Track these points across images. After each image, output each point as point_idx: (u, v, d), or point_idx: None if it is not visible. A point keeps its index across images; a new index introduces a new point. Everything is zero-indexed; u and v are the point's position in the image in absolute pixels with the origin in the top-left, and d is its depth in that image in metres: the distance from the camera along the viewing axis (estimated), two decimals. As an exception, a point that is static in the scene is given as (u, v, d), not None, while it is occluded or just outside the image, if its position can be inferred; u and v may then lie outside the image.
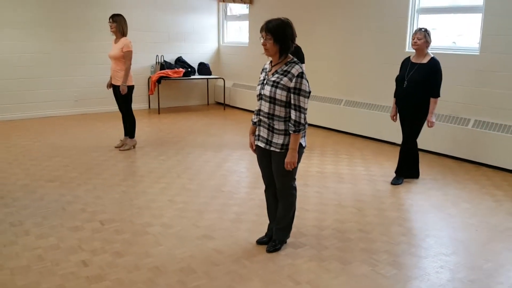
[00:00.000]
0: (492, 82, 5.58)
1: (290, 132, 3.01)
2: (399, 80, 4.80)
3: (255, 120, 3.26)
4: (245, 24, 9.52)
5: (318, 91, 7.81)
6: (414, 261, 3.22)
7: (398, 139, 5.94)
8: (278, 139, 3.06)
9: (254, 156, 5.90)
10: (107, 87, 6.13)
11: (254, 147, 3.30)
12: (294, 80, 2.94)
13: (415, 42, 4.63)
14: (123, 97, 5.93)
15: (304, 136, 3.13)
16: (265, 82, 3.08)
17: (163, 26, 9.39)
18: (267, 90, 3.02)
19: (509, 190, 4.77)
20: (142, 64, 9.22)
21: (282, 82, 2.97)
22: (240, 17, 9.79)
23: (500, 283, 2.95)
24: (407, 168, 4.98)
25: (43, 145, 6.30)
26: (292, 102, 2.97)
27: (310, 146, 6.52)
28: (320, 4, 7.67)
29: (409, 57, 4.85)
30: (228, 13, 10.11)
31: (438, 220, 3.98)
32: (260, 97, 3.10)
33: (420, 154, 5.33)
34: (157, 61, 9.28)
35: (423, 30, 4.63)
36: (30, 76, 8.10)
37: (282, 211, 3.28)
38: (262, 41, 3.02)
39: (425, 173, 5.28)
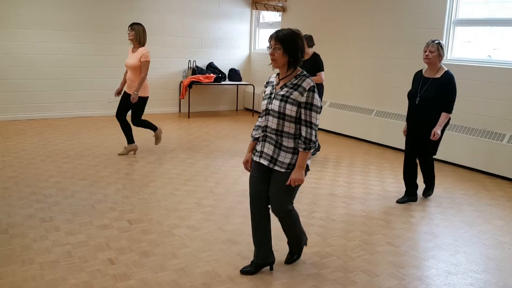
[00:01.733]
0: (530, 97, 5.42)
1: (300, 149, 2.79)
2: (411, 96, 4.50)
3: (256, 136, 3.03)
4: (278, 31, 9.53)
5: (348, 100, 7.76)
6: (443, 277, 3.14)
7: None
8: (285, 158, 2.84)
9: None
10: (115, 94, 5.98)
11: (249, 165, 3.08)
12: (305, 95, 2.74)
13: (427, 56, 4.32)
14: (134, 106, 5.73)
15: (310, 158, 2.90)
16: (272, 96, 2.86)
17: (196, 32, 9.51)
18: (275, 105, 2.80)
19: (545, 209, 4.61)
20: (174, 69, 9.35)
21: (292, 96, 2.76)
22: (272, 25, 9.82)
23: (533, 304, 2.85)
24: (414, 186, 4.74)
25: (76, 144, 6.44)
26: (303, 118, 2.77)
27: (339, 155, 6.46)
28: (353, 13, 7.63)
29: (421, 70, 4.55)
30: (261, 21, 10.16)
31: (469, 236, 3.87)
32: (267, 112, 2.87)
33: (452, 167, 5.23)
34: (189, 66, 9.39)
35: (436, 42, 4.32)
36: (66, 76, 8.31)
37: (287, 226, 3.10)
38: (270, 50, 2.82)
39: (456, 187, 5.15)
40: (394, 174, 5.64)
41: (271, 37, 2.83)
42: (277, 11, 9.28)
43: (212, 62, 9.67)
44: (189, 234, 3.65)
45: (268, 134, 2.89)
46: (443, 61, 6.23)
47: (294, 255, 3.28)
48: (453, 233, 3.92)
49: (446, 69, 4.39)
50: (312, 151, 2.82)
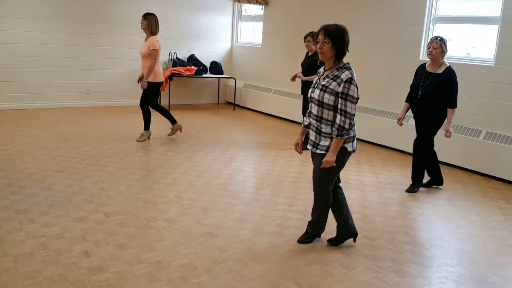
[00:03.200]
0: (506, 95, 5.51)
1: (333, 136, 3.06)
2: (413, 89, 4.74)
3: (306, 123, 3.34)
4: (259, 25, 9.51)
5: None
6: (418, 271, 3.18)
7: (408, 148, 5.90)
8: (325, 142, 3.13)
9: (261, 157, 5.90)
10: (138, 81, 6.29)
11: (300, 148, 3.41)
12: (342, 85, 3.00)
13: (430, 52, 4.54)
14: (144, 91, 6.11)
15: (353, 141, 3.19)
16: (316, 85, 3.15)
17: (177, 24, 9.41)
18: (316, 94, 3.10)
19: (519, 204, 4.71)
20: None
21: (330, 86, 3.03)
22: (254, 18, 9.79)
23: (505, 297, 2.91)
24: (430, 174, 4.97)
25: (53, 135, 6.34)
26: (339, 106, 3.03)
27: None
28: (334, 10, 7.65)
29: (424, 64, 4.76)
30: (243, 13, 10.11)
31: (445, 230, 3.93)
32: (311, 100, 3.18)
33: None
34: (170, 58, 9.30)
35: (439, 39, 4.53)
36: (43, 66, 8.15)
37: (316, 204, 3.39)
38: (318, 44, 3.07)
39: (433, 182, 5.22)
40: (372, 168, 5.69)
41: (319, 32, 3.08)
42: (260, 4, 9.24)
43: (193, 55, 9.60)
44: (166, 227, 3.62)
45: (312, 121, 3.20)
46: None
47: (309, 238, 3.47)
48: (429, 227, 3.98)
49: (448, 65, 4.58)
50: (344, 138, 3.06)
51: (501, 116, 5.57)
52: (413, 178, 4.91)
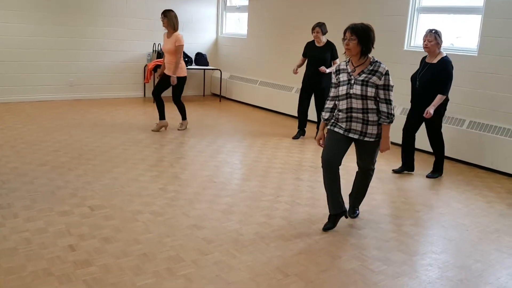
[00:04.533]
0: (489, 84, 5.57)
1: (384, 123, 3.35)
2: (412, 79, 4.98)
3: (326, 117, 3.53)
4: (244, 16, 9.46)
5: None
6: (403, 258, 3.21)
7: (396, 138, 5.92)
8: (373, 130, 3.38)
9: (247, 149, 5.89)
10: (158, 76, 6.65)
11: (322, 143, 3.59)
12: (383, 78, 3.26)
13: (425, 45, 4.74)
14: (175, 87, 6.29)
15: None
16: (352, 82, 3.32)
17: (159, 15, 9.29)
18: (357, 89, 3.29)
19: (501, 192, 4.77)
20: (139, 52, 9.16)
21: (371, 80, 3.26)
22: (239, 9, 9.73)
23: (488, 283, 2.95)
24: (406, 160, 5.18)
25: (36, 129, 6.24)
26: (383, 97, 3.30)
27: (305, 139, 6.50)
28: (318, 1, 7.63)
29: (425, 56, 4.98)
30: (228, 4, 10.04)
31: (429, 218, 3.97)
32: (349, 96, 3.34)
33: (415, 152, 5.33)
34: (154, 49, 9.21)
35: (433, 32, 4.72)
36: (25, 59, 8.01)
37: (366, 181, 3.77)
38: (345, 41, 3.27)
39: (418, 171, 5.27)
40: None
41: (347, 30, 3.29)
42: (244, -5, 9.18)
43: (178, 46, 9.50)
44: (152, 220, 3.60)
45: (354, 114, 3.37)
46: (405, 47, 6.36)
47: (355, 212, 3.87)
48: (413, 215, 4.02)
49: (444, 55, 4.78)
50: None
51: (485, 106, 5.63)
52: (435, 162, 5.13)
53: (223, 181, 4.62)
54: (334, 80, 3.49)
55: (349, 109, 3.38)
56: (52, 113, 7.31)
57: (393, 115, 3.35)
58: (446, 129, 5.87)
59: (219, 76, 9.77)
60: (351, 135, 3.44)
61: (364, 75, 3.31)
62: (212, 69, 9.78)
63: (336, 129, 3.48)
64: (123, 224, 3.49)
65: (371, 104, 3.33)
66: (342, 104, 3.41)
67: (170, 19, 6.16)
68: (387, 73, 3.29)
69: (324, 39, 6.28)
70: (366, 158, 3.62)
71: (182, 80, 6.34)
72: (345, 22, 7.24)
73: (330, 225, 3.59)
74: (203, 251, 3.14)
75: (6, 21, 7.71)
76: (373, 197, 4.39)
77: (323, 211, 3.97)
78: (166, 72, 6.35)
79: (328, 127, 3.54)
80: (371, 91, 3.28)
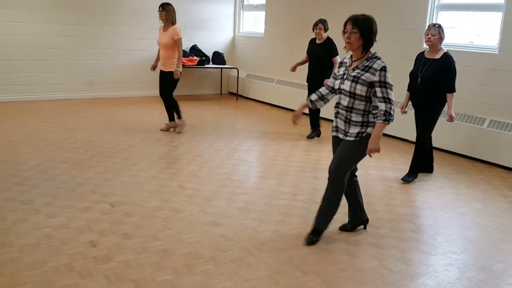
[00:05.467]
0: (510, 82, 5.48)
1: (379, 121, 3.00)
2: (413, 76, 4.80)
3: (312, 99, 3.34)
4: (262, 14, 9.46)
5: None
6: (422, 258, 3.19)
7: (411, 136, 5.88)
8: (355, 129, 3.12)
9: (264, 147, 5.90)
10: (152, 69, 6.37)
11: (298, 120, 3.36)
12: (377, 74, 2.97)
13: (429, 39, 4.60)
14: (170, 82, 6.13)
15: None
16: (345, 77, 3.11)
17: (179, 14, 9.29)
18: (347, 85, 3.07)
19: (523, 192, 4.70)
20: (156, 51, 9.20)
21: (363, 77, 3.01)
22: (257, 7, 9.73)
23: (509, 284, 2.91)
24: (421, 164, 4.90)
25: (56, 126, 6.35)
26: (380, 95, 2.99)
27: (321, 139, 6.49)
28: (338, -3, 7.59)
29: (422, 52, 4.81)
30: (245, 3, 10.05)
31: (448, 218, 3.93)
32: (340, 91, 3.14)
33: (434, 151, 5.29)
34: (172, 48, 9.26)
35: (437, 26, 4.60)
36: (46, 58, 8.14)
37: (329, 193, 3.27)
38: (346, 34, 3.04)
39: (437, 171, 5.22)
40: (376, 157, 5.68)
41: (348, 21, 3.04)
42: (262, -7, 9.18)
43: (195, 45, 9.57)
44: (171, 217, 3.63)
45: (340, 111, 3.18)
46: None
47: (316, 234, 3.32)
48: (433, 215, 3.98)
49: (446, 51, 4.63)
50: (389, 123, 3.02)
51: (505, 104, 5.54)
52: (411, 164, 4.89)
53: (240, 179, 4.64)
54: (336, 71, 3.30)
55: (337, 105, 3.21)
56: (71, 111, 7.41)
57: (392, 116, 2.99)
58: (466, 127, 5.80)
59: (236, 75, 9.79)
60: (338, 134, 3.27)
61: (357, 71, 3.06)
62: (229, 67, 9.81)
63: (334, 133, 3.31)
64: (143, 221, 3.53)
65: (358, 104, 3.07)
66: (337, 99, 3.23)
67: (169, 12, 5.98)
68: (383, 69, 2.98)
69: (325, 36, 6.15)
70: (334, 158, 3.23)
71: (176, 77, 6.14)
72: (363, 20, 7.19)
73: (311, 239, 3.32)
74: (221, 248, 3.16)
75: (26, 21, 7.85)
76: (392, 196, 4.36)
77: (341, 210, 3.95)
78: (162, 68, 6.17)
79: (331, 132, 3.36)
80: (360, 89, 3.02)
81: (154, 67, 6.39)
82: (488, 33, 6.00)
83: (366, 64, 3.04)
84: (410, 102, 4.95)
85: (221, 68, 9.82)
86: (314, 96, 3.34)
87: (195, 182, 4.46)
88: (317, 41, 6.21)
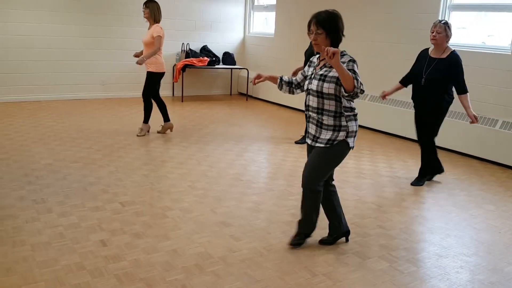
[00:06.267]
0: (523, 83, 5.43)
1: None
2: (416, 74, 4.50)
3: (286, 80, 3.21)
4: (272, 15, 9.46)
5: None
6: (433, 260, 3.17)
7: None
8: (326, 135, 2.93)
9: (274, 147, 5.89)
10: (136, 57, 6.12)
11: (256, 79, 3.13)
12: (345, 65, 2.78)
13: (434, 37, 4.31)
14: (146, 81, 5.95)
15: (355, 136, 3.00)
16: (312, 76, 2.98)
17: (190, 14, 9.41)
18: (314, 85, 2.93)
19: (536, 194, 4.65)
20: (168, 52, 9.26)
21: (330, 74, 2.87)
22: (267, 8, 9.74)
23: (522, 287, 2.88)
24: (431, 168, 4.79)
25: (69, 126, 6.40)
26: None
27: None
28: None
29: (427, 49, 4.55)
30: (255, 3, 10.06)
31: (460, 220, 3.90)
32: (308, 92, 3.00)
33: (445, 153, 5.26)
34: (183, 49, 9.31)
35: (443, 22, 4.30)
36: (59, 58, 8.22)
37: (306, 203, 3.14)
38: (312, 36, 2.90)
39: (449, 172, 5.18)
40: (387, 158, 5.66)
41: (311, 22, 2.91)
42: (272, -6, 9.18)
43: (206, 45, 9.60)
44: (181, 216, 3.65)
45: (311, 114, 3.01)
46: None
47: (301, 237, 3.24)
48: (444, 217, 3.95)
49: (453, 49, 4.36)
50: (359, 95, 2.74)
51: (518, 105, 5.49)
52: (421, 169, 4.76)
53: (250, 179, 4.64)
54: (306, 68, 3.14)
55: (307, 108, 3.04)
56: (83, 111, 7.47)
57: (362, 88, 2.74)
58: (478, 129, 5.75)
59: (246, 75, 9.81)
60: (308, 140, 3.09)
61: (324, 69, 2.92)
62: (239, 68, 9.82)
63: (307, 140, 3.12)
64: (153, 220, 3.55)
65: (328, 105, 2.90)
66: (306, 101, 3.06)
67: (152, 10, 5.79)
68: (351, 60, 2.82)
69: None
70: (306, 168, 3.05)
71: (158, 76, 5.95)
72: (375, 19, 7.19)
73: (296, 241, 3.21)
74: (231, 248, 3.16)
75: (39, 21, 7.93)
76: (402, 198, 4.34)
77: (352, 211, 3.95)
78: (146, 68, 5.96)
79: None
80: (328, 87, 2.85)
81: (137, 55, 6.11)
82: (500, 33, 5.95)
83: None
84: (405, 102, 4.87)
85: (231, 68, 9.84)
86: (286, 78, 3.22)
87: (205, 182, 4.47)
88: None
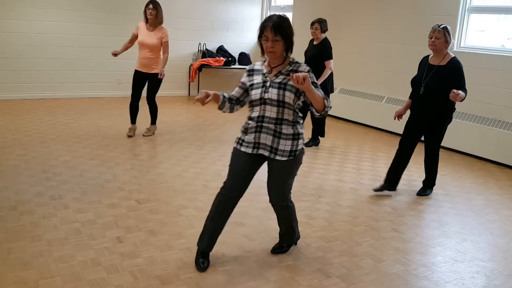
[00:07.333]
0: (544, 87, 5.34)
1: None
2: (415, 83, 4.26)
3: (226, 96, 2.86)
4: (289, 15, 9.45)
5: (359, 86, 7.70)
6: (449, 264, 3.14)
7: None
8: (286, 146, 2.76)
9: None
10: (114, 55, 5.94)
11: (207, 99, 2.75)
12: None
13: (432, 42, 4.04)
14: (153, 84, 5.91)
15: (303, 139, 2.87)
16: (268, 85, 2.72)
17: (207, 15, 9.45)
18: (273, 94, 2.68)
19: (554, 200, 4.57)
20: (185, 52, 9.32)
21: (290, 83, 2.67)
22: (284, 8, 9.73)
23: (539, 294, 2.84)
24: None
25: (86, 124, 6.48)
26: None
27: (348, 142, 6.44)
28: (365, 1, 7.54)
29: (427, 56, 4.29)
30: (272, 4, 10.07)
31: (476, 224, 3.86)
32: (263, 101, 2.73)
33: (462, 156, 5.20)
34: (199, 49, 9.36)
35: (442, 27, 4.04)
36: (77, 57, 8.32)
37: (285, 216, 3.05)
38: (268, 43, 2.65)
39: (465, 176, 5.13)
40: (403, 161, 5.61)
41: (265, 28, 2.64)
42: (289, -5, 9.18)
43: (222, 45, 9.63)
44: (196, 215, 3.67)
45: (265, 124, 2.75)
46: (455, 48, 6.17)
47: (283, 246, 3.17)
48: (460, 221, 3.91)
49: (453, 56, 4.10)
50: (327, 111, 2.68)
51: (538, 109, 5.40)
52: (427, 179, 4.53)
53: (263, 179, 4.63)
54: (245, 79, 2.86)
55: (261, 118, 2.76)
56: (101, 109, 7.55)
57: (329, 105, 2.68)
58: (496, 133, 5.67)
59: (262, 76, 9.79)
60: (260, 151, 2.81)
61: (282, 77, 2.71)
62: (256, 68, 9.81)
63: (243, 149, 2.83)
64: (168, 218, 3.58)
65: (287, 114, 2.72)
66: (255, 112, 2.78)
67: (160, 11, 5.63)
68: (310, 71, 2.69)
69: (322, 36, 5.82)
70: (275, 186, 2.92)
71: (161, 79, 5.88)
72: (391, 21, 7.15)
73: (202, 264, 2.90)
74: (244, 248, 3.17)
75: (57, 20, 8.03)
76: (419, 202, 4.31)
77: (366, 214, 3.93)
78: (144, 69, 5.84)
79: (235, 145, 2.89)
80: (289, 97, 2.67)
81: (116, 54, 5.95)
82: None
83: (290, 68, 2.72)
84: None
85: (247, 69, 9.83)
86: (227, 95, 2.88)
87: (219, 182, 4.44)
88: (314, 42, 5.91)
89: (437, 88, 4.03)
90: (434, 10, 6.48)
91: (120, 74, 8.78)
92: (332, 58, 5.77)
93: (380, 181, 4.77)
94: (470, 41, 6.21)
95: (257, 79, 2.79)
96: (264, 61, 2.84)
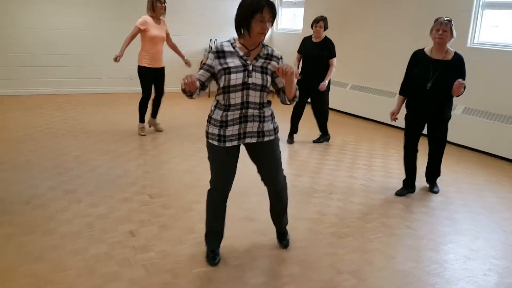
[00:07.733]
0: (559, 84, 5.27)
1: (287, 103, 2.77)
2: (419, 80, 4.07)
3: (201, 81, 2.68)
4: (300, 11, 9.42)
5: (371, 82, 7.66)
6: (461, 262, 3.12)
7: (451, 138, 5.72)
8: (269, 126, 2.78)
9: (299, 145, 5.88)
10: (116, 60, 5.87)
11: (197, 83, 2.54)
12: (280, 63, 2.71)
13: (440, 35, 3.93)
14: (163, 79, 6.07)
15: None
16: (251, 68, 2.61)
17: (218, 11, 9.44)
18: (258, 78, 2.62)
19: None
20: (196, 47, 9.33)
21: (269, 66, 2.66)
22: (295, 4, 9.69)
23: (553, 292, 2.81)
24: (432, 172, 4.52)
25: (97, 119, 6.52)
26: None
27: (359, 138, 6.42)
28: (378, -6, 7.48)
29: (421, 51, 4.18)
30: None
31: (489, 222, 3.82)
32: (246, 86, 2.62)
33: (474, 153, 5.15)
34: (211, 44, 9.36)
35: (448, 20, 3.96)
36: (88, 52, 8.37)
37: (285, 197, 3.09)
38: (263, 24, 2.55)
39: (478, 173, 5.08)
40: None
41: (263, 9, 2.53)
42: (300, -10, 9.14)
43: (233, 42, 9.61)
44: (207, 210, 3.68)
45: (250, 111, 2.68)
46: (469, 44, 6.11)
47: (286, 236, 3.19)
48: (472, 218, 3.88)
49: (453, 50, 4.06)
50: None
51: (552, 107, 5.34)
52: (434, 175, 4.47)
53: (275, 176, 4.64)
54: (213, 62, 2.63)
55: (245, 104, 2.65)
56: (111, 105, 7.60)
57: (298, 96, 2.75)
58: (509, 130, 5.61)
59: (273, 72, 9.78)
60: (247, 140, 2.76)
61: (261, 61, 2.65)
62: (266, 64, 9.80)
63: (227, 144, 2.74)
64: (180, 213, 3.59)
65: (266, 97, 2.74)
66: (235, 98, 2.63)
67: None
68: (281, 57, 2.73)
69: (323, 35, 5.76)
70: (272, 165, 2.90)
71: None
72: (403, 17, 7.08)
73: (213, 259, 2.90)
74: (255, 243, 3.18)
75: (68, 16, 8.08)
76: (431, 199, 4.28)
77: (377, 210, 3.91)
78: (156, 64, 5.85)
79: (212, 141, 2.76)
80: (269, 81, 2.67)
81: (119, 58, 5.86)
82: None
83: (266, 52, 2.68)
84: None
85: (258, 65, 9.82)
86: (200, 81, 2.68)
87: (231, 178, 4.49)
88: (314, 40, 5.79)
89: (447, 83, 3.93)
90: (448, 5, 6.41)
91: (131, 71, 8.79)
92: (335, 56, 5.76)
93: (391, 178, 4.75)
94: (483, 37, 6.14)
95: (234, 62, 2.61)
96: (232, 43, 2.68)
